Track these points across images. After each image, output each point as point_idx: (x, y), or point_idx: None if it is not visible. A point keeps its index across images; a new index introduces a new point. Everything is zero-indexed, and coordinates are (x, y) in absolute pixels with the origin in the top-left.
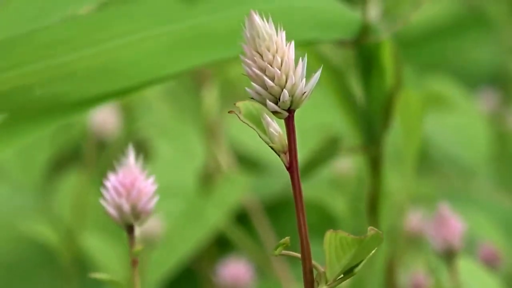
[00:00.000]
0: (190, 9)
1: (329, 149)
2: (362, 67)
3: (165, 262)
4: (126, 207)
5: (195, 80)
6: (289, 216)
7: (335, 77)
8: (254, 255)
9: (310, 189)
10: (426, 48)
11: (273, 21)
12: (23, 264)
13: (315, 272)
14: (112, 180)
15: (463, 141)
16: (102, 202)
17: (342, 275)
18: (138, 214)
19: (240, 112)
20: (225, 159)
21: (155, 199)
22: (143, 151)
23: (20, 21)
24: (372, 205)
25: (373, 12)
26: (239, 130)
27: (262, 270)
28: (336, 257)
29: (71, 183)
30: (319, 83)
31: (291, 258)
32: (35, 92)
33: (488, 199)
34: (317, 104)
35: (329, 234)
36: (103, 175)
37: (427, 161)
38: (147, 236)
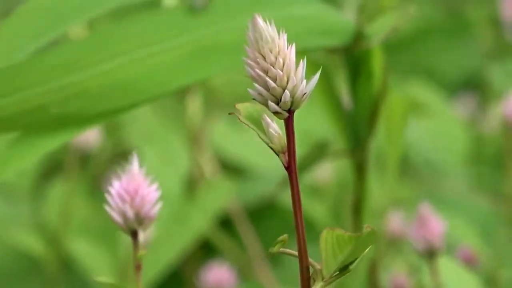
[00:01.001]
0: (195, 22)
1: (318, 153)
2: (350, 72)
3: (151, 267)
4: (130, 213)
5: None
6: (271, 220)
7: (323, 81)
8: (238, 259)
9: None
10: (401, 52)
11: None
12: (10, 271)
13: (311, 270)
14: (116, 187)
15: (439, 145)
16: (106, 208)
17: (337, 272)
18: (141, 220)
19: (239, 114)
20: (209, 166)
21: (158, 206)
22: (128, 160)
23: (20, 39)
24: (356, 208)
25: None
26: (222, 137)
27: (245, 273)
28: (333, 254)
29: (57, 192)
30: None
31: (273, 262)
32: (51, 110)
33: (465, 201)
34: (300, 109)
35: (326, 232)
36: (89, 184)
37: (404, 164)
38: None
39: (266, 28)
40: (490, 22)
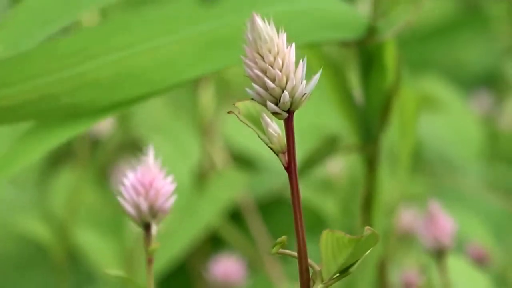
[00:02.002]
0: (209, 12)
1: (327, 148)
2: (363, 65)
3: (159, 258)
4: (144, 206)
5: None
6: (282, 214)
7: (335, 75)
8: (247, 253)
9: (301, 190)
10: (418, 47)
11: (281, 23)
12: (17, 260)
13: (311, 271)
14: (131, 179)
15: (454, 140)
16: (119, 199)
17: (338, 274)
18: (155, 213)
19: (239, 112)
20: (220, 157)
21: (173, 199)
22: (137, 149)
23: (30, 26)
24: (367, 204)
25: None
26: (234, 128)
27: (254, 267)
28: (333, 256)
29: (65, 180)
30: (318, 81)
31: (283, 256)
32: (62, 100)
33: (479, 199)
34: (312, 104)
35: (325, 234)
36: (97, 172)
37: (417, 160)
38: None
39: (265, 27)
40: (510, 18)
